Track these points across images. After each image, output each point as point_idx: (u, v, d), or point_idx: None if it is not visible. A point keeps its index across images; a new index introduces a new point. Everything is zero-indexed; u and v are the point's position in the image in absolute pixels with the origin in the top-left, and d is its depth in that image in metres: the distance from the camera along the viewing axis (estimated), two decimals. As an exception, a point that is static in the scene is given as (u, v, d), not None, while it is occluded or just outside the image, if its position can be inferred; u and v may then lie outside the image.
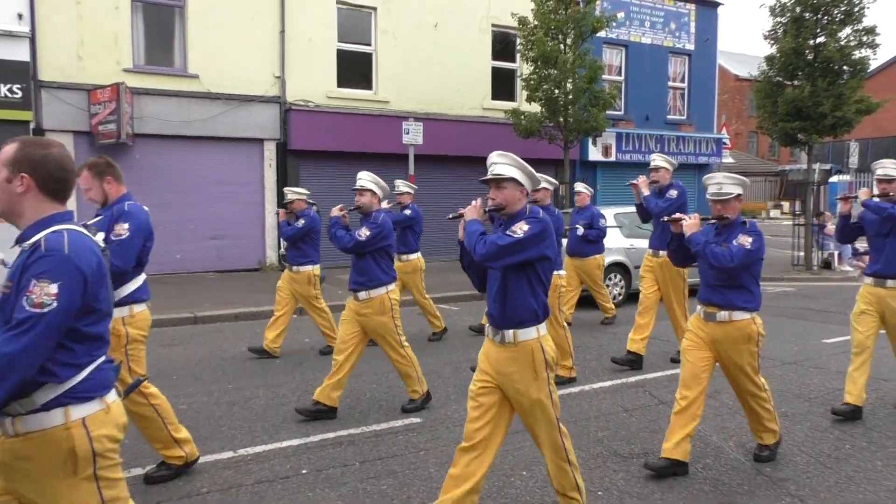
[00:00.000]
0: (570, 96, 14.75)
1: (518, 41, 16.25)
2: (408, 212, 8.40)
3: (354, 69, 16.27)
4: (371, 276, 5.41)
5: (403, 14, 16.50)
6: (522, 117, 15.24)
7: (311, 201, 7.75)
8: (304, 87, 15.41)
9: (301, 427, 5.31)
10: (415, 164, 14.26)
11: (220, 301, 10.84)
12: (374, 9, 16.27)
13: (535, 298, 3.35)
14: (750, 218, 4.74)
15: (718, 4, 21.93)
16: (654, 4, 20.54)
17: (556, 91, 14.79)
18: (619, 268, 11.24)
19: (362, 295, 5.42)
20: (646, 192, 6.87)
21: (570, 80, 14.61)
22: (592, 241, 9.14)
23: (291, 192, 7.74)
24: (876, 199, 5.49)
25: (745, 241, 4.24)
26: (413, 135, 13.98)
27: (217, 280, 13.59)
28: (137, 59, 13.92)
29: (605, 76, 17.94)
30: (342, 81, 16.01)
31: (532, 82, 14.91)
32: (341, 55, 16.02)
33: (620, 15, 18.84)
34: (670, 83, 21.22)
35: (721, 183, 4.36)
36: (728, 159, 22.43)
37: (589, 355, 7.71)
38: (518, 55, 16.70)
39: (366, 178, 5.52)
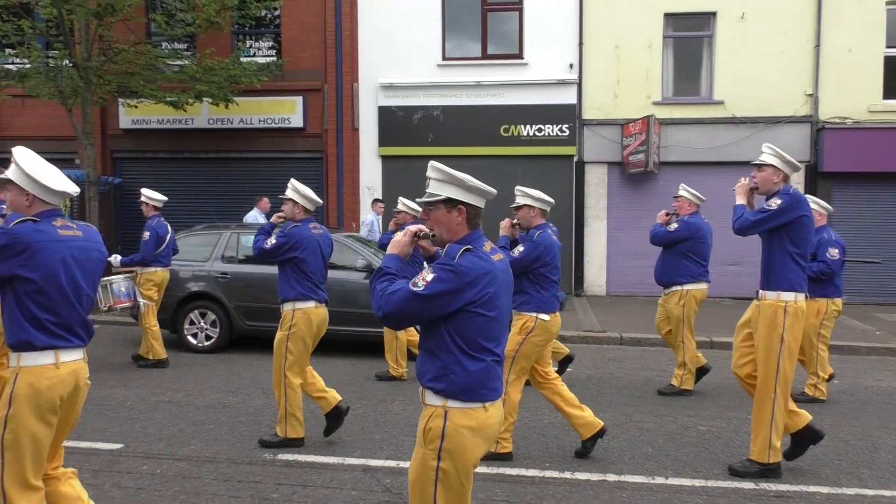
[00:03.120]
0: None
1: None
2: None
3: (905, 77, 14.13)
4: (521, 298, 5.10)
5: (978, 4, 13.65)
6: None
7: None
8: (841, 103, 14.05)
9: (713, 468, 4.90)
10: None
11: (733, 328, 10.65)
12: (937, 4, 13.88)
13: None
14: None
15: None
16: None
17: None
18: None
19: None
20: (740, 200, 5.01)
21: None
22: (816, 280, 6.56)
23: (521, 195, 7.63)
24: None
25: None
26: None
27: (732, 307, 13.39)
28: (666, 91, 14.72)
29: None
30: (889, 92, 14.08)
31: None
32: (889, 62, 14.10)
33: None
34: None
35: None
36: None
37: None
38: None
39: (522, 192, 5.23)
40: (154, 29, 14.36)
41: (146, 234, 7.96)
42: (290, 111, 15.10)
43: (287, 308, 5.29)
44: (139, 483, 4.56)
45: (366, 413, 6.25)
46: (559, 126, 14.60)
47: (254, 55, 15.17)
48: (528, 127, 14.67)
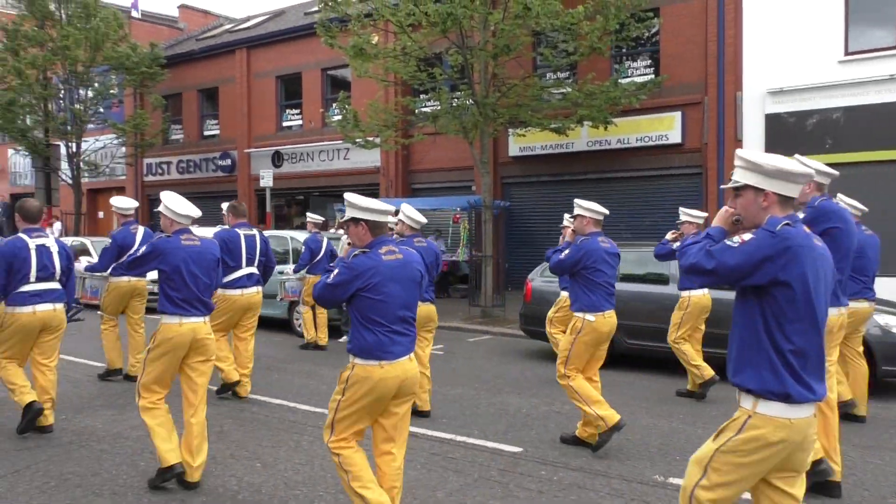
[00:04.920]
0: None
1: None
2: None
3: None
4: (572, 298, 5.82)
5: None
6: None
7: None
8: None
9: None
10: None
11: None
12: None
13: None
14: None
15: None
16: None
17: None
18: None
19: None
20: None
21: None
22: None
23: (685, 214, 7.56)
24: None
25: None
26: None
27: None
28: None
29: None
30: None
31: None
32: None
33: None
34: None
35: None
36: None
37: None
38: None
39: (577, 204, 5.80)
40: (539, 62, 15.50)
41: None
42: (667, 128, 14.92)
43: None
44: (539, 487, 4.89)
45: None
46: None
47: (631, 75, 15.35)
48: (961, 122, 12.19)
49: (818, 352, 2.71)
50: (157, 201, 4.81)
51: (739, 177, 2.85)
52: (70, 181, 22.23)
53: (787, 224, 2.68)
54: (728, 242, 2.77)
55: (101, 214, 27.27)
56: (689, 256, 2.88)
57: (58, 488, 4.69)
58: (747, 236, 2.74)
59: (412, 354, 3.82)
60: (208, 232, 7.67)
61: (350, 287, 3.65)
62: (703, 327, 7.75)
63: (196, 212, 4.96)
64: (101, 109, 22.36)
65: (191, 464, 4.68)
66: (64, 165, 22.55)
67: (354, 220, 3.79)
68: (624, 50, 15.63)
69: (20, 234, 5.78)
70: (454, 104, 14.04)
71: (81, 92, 22.09)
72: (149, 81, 22.46)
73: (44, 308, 5.72)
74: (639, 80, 14.69)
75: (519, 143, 16.52)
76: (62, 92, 22.30)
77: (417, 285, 3.84)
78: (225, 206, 7.74)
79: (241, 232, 7.25)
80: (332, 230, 14.97)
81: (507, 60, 13.42)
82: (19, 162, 29.73)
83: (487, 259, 13.75)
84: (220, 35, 26.05)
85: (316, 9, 16.47)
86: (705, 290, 7.58)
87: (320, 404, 7.04)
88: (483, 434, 6.13)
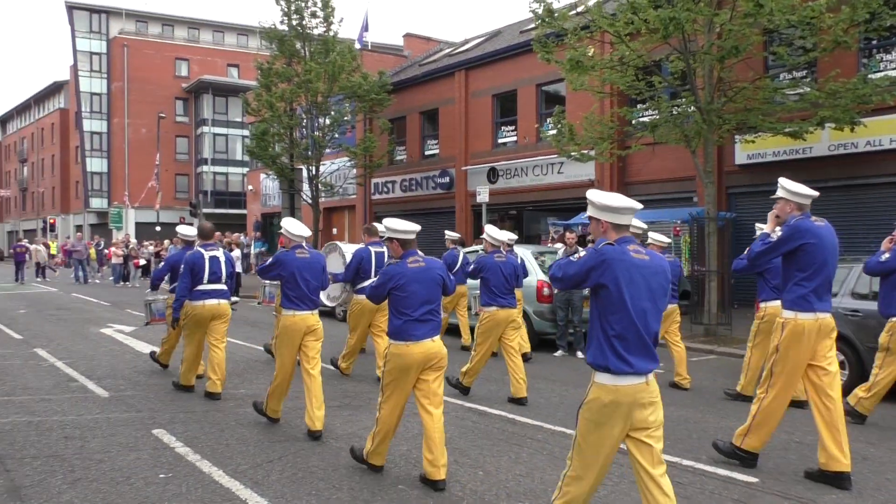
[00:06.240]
0: None
1: None
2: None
3: None
4: None
5: None
6: None
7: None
8: None
9: None
10: None
11: None
12: None
13: None
14: None
15: None
16: None
17: None
18: None
19: None
20: (767, 227, 5.50)
21: None
22: None
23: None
24: None
25: None
26: None
27: None
28: None
29: None
30: None
31: None
32: None
33: None
34: None
35: None
36: None
37: None
38: None
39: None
40: (771, 62, 14.33)
41: None
42: (930, 126, 13.02)
43: None
44: (780, 524, 4.45)
45: None
46: None
47: (884, 69, 13.64)
48: None
49: (636, 336, 3.47)
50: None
51: (588, 210, 3.74)
52: (310, 201, 24.61)
53: (608, 244, 3.55)
54: (571, 258, 3.75)
55: (334, 230, 29.85)
56: (551, 269, 3.83)
57: (304, 480, 5.16)
58: (582, 253, 3.79)
59: (436, 337, 5.05)
60: (348, 249, 9.76)
61: (385, 287, 5.08)
62: None
63: (307, 232, 6.55)
64: (337, 135, 24.49)
65: (314, 413, 6.14)
66: (305, 187, 25.02)
67: (390, 239, 5.17)
68: (875, 42, 13.93)
69: (198, 248, 7.88)
70: (674, 112, 13.43)
71: (320, 120, 24.41)
72: (377, 107, 24.23)
73: (211, 302, 7.80)
74: (893, 73, 13.00)
75: (747, 151, 15.37)
76: (304, 121, 24.79)
77: (438, 286, 5.14)
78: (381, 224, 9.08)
79: (373, 249, 8.68)
80: (549, 245, 15.01)
81: (734, 63, 12.57)
82: (269, 185, 33.57)
83: (711, 274, 12.92)
84: (440, 59, 27.40)
85: (532, 26, 16.71)
86: None
87: (538, 417, 7.05)
88: (713, 460, 5.73)
